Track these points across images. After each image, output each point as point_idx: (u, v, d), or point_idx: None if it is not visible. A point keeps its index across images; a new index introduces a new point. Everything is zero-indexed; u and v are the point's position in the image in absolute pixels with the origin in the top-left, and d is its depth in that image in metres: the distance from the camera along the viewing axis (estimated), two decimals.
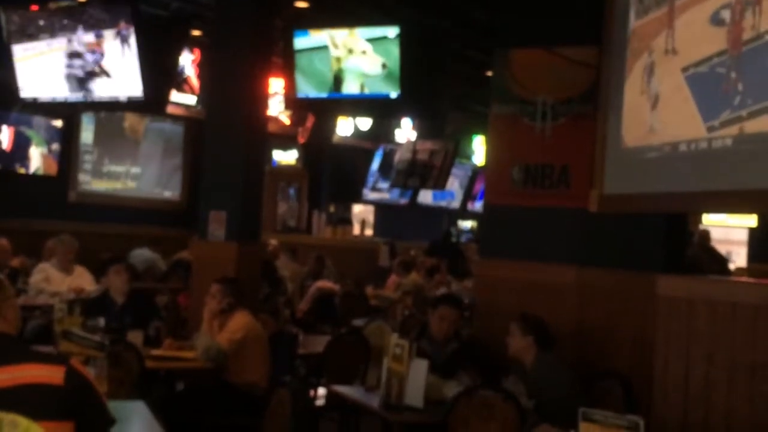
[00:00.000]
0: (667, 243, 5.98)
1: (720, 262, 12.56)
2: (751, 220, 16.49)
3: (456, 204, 21.29)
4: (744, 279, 8.62)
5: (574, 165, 6.42)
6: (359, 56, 7.24)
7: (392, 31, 6.97)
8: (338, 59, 7.38)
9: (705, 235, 12.57)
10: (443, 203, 20.81)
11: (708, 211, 12.40)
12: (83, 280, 8.13)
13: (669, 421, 4.98)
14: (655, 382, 5.17)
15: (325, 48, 7.45)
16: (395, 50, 6.99)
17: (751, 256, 16.44)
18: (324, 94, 7.56)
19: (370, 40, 7.15)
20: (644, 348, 5.58)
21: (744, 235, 16.96)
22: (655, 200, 5.38)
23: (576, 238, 6.43)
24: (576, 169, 6.40)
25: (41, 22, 7.91)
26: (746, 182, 4.55)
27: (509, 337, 5.44)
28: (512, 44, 6.80)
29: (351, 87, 7.37)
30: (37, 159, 12.53)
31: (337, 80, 7.43)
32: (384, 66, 7.13)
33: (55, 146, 12.66)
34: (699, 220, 15.11)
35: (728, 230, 15.85)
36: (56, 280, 8.01)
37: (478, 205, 20.45)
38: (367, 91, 7.33)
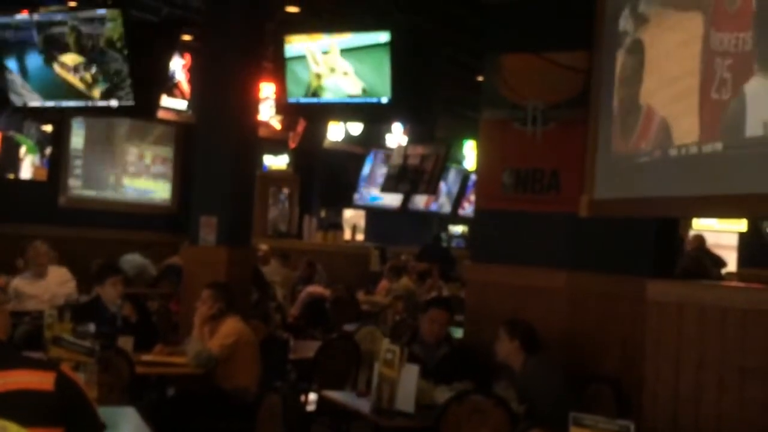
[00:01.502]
0: (657, 248, 5.99)
1: (719, 264, 12.73)
2: (741, 225, 16.55)
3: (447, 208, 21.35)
4: (734, 283, 8.65)
5: (565, 170, 6.43)
6: (341, 77, 7.26)
7: (383, 36, 6.98)
8: (318, 76, 7.40)
9: (702, 239, 12.68)
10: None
11: (698, 216, 12.44)
12: (58, 279, 8.11)
13: (659, 425, 4.99)
14: (646, 386, 5.17)
15: (304, 58, 7.46)
16: (383, 58, 6.99)
17: (741, 261, 16.50)
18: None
19: (356, 50, 7.15)
20: (635, 352, 5.58)
21: (734, 240, 17.02)
22: (646, 205, 5.39)
23: (566, 242, 6.44)
24: (566, 174, 6.42)
25: (31, 27, 7.89)
26: (736, 187, 4.56)
27: (497, 342, 5.46)
28: (503, 49, 6.82)
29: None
30: (27, 166, 12.51)
31: (315, 95, 7.46)
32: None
33: (47, 151, 12.64)
34: (689, 225, 15.16)
35: (718, 235, 15.89)
36: (31, 288, 7.98)
37: (469, 210, 20.49)
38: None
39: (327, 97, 7.38)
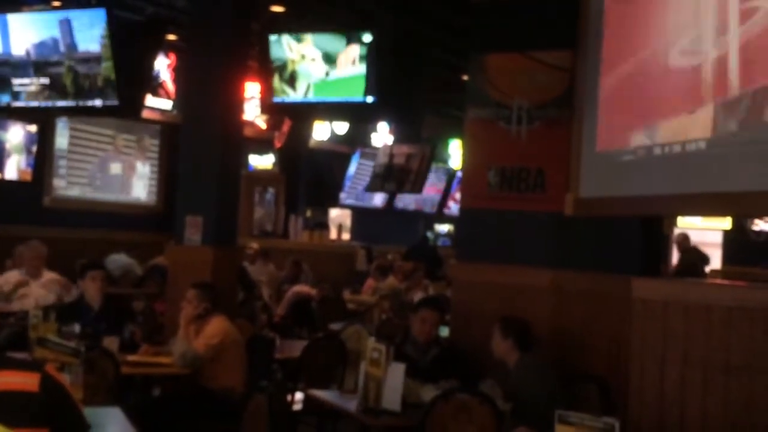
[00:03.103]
0: (642, 246, 6.02)
1: (705, 260, 12.86)
2: (726, 223, 16.64)
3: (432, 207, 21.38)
4: (718, 281, 8.69)
5: (550, 168, 6.45)
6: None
7: (366, 36, 6.99)
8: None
9: (688, 239, 12.77)
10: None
11: (683, 214, 12.51)
12: (51, 285, 8.07)
13: (645, 423, 5.01)
14: (631, 384, 5.20)
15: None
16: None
17: (726, 258, 16.60)
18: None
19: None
20: (620, 350, 5.61)
21: (718, 238, 17.11)
22: (630, 203, 5.41)
23: (552, 241, 6.46)
24: (551, 173, 6.43)
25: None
26: (720, 185, 4.59)
27: (492, 340, 5.46)
28: (488, 48, 6.83)
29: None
30: (12, 166, 12.44)
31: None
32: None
33: (33, 149, 12.58)
34: (674, 223, 15.23)
35: (702, 233, 15.99)
36: (24, 288, 7.95)
37: (454, 209, 20.52)
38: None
39: (302, 83, 7.43)
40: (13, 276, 8.07)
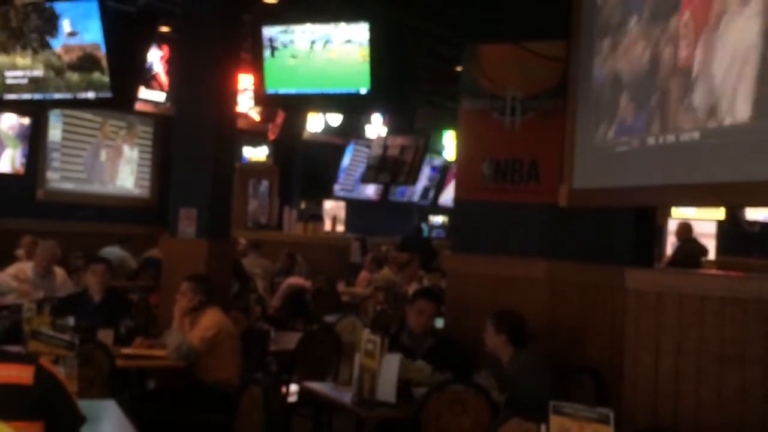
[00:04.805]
0: (636, 237, 6.03)
1: (704, 252, 12.93)
2: (719, 214, 16.65)
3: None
4: (712, 271, 8.70)
5: (543, 160, 6.46)
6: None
7: (360, 27, 6.97)
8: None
9: (690, 228, 12.81)
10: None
11: (677, 205, 12.52)
12: (56, 284, 8.06)
13: (639, 413, 5.02)
14: (625, 374, 5.21)
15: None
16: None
17: (719, 249, 16.61)
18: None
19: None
20: (614, 341, 5.62)
21: (712, 228, 17.12)
22: (624, 194, 5.42)
23: (546, 232, 6.46)
24: (545, 164, 6.44)
25: (7, 20, 7.86)
26: (714, 176, 4.59)
27: (485, 333, 5.46)
28: (481, 39, 6.82)
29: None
30: (6, 159, 12.42)
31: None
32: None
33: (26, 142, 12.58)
34: (668, 214, 15.24)
35: (696, 223, 16.00)
36: (30, 282, 7.95)
37: (449, 201, 20.53)
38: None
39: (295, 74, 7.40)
40: (22, 270, 8.05)
